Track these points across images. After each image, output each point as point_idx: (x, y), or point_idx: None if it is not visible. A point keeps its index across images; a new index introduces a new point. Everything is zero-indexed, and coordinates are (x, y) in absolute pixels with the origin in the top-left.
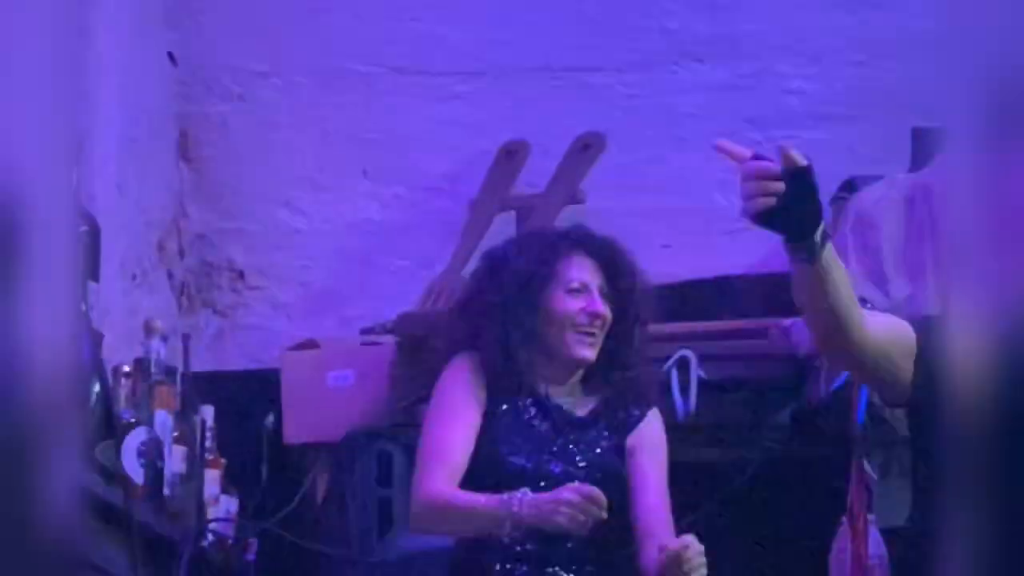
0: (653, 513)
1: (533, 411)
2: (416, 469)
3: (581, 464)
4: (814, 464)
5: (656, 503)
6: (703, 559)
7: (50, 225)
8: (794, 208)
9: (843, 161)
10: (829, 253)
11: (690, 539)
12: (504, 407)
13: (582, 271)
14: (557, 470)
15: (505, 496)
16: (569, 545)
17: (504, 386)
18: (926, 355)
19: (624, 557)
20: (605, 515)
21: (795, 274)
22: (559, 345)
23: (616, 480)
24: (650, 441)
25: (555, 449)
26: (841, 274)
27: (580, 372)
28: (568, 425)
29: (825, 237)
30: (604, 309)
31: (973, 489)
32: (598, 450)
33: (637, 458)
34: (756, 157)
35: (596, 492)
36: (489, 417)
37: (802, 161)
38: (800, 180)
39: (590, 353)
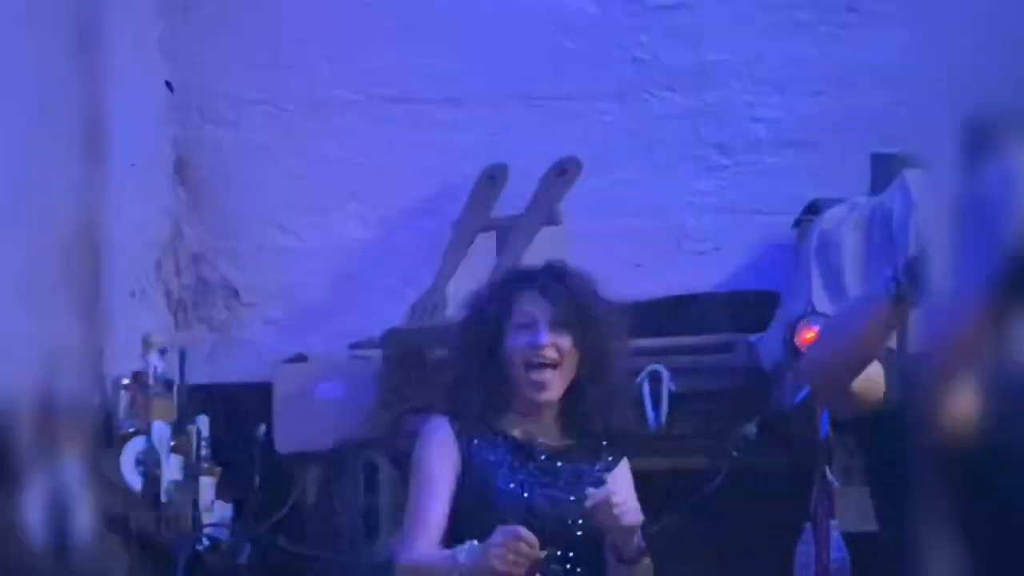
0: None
1: (503, 451)
2: (403, 532)
3: (572, 499)
4: (779, 472)
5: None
6: (632, 502)
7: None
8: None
9: (806, 185)
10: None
11: (611, 488)
12: (489, 455)
13: (530, 306)
14: (545, 505)
15: (450, 551)
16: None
17: (474, 430)
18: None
19: None
20: (539, 553)
21: (884, 314)
22: (520, 384)
23: (579, 516)
24: (620, 490)
25: (546, 481)
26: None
27: (553, 409)
28: (551, 462)
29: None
30: (548, 339)
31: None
32: (565, 487)
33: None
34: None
35: (522, 532)
36: (474, 466)
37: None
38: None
39: (545, 394)
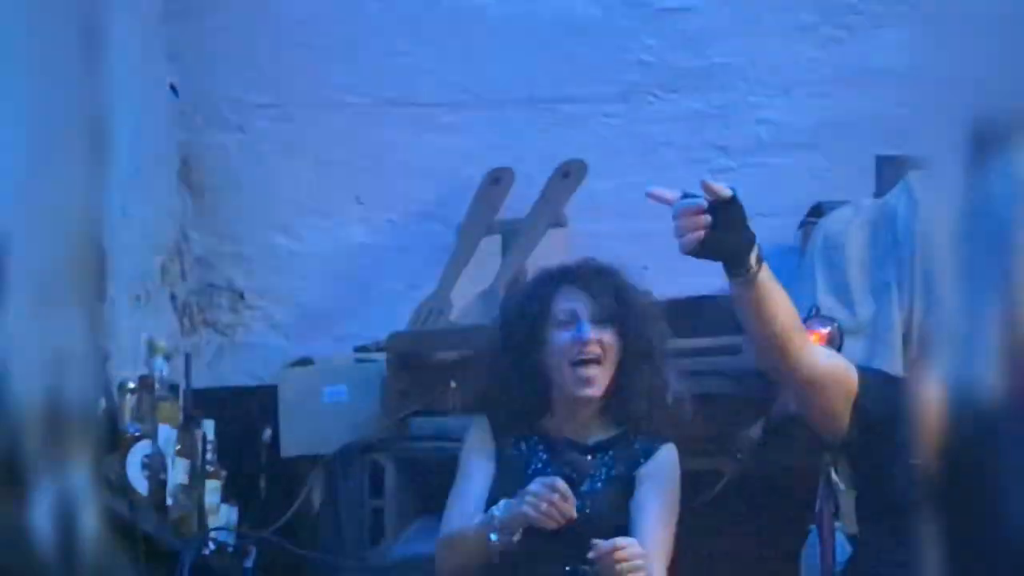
0: (641, 543)
1: (538, 449)
2: (443, 518)
3: (583, 490)
4: (785, 475)
5: (646, 535)
6: (637, 562)
7: (60, 248)
8: (725, 236)
9: (810, 187)
10: (766, 275)
11: (620, 540)
12: (512, 451)
13: (570, 302)
14: (580, 500)
15: (486, 513)
16: None
17: (511, 430)
18: (864, 400)
19: None
20: (571, 508)
21: (735, 297)
22: (562, 381)
23: (612, 512)
24: (656, 473)
25: (580, 477)
26: (780, 297)
27: (595, 405)
28: (569, 457)
29: (759, 260)
30: (592, 335)
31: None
32: (599, 484)
33: (640, 489)
34: (684, 196)
35: (557, 482)
36: (500, 463)
37: (725, 192)
38: (727, 210)
39: (591, 390)
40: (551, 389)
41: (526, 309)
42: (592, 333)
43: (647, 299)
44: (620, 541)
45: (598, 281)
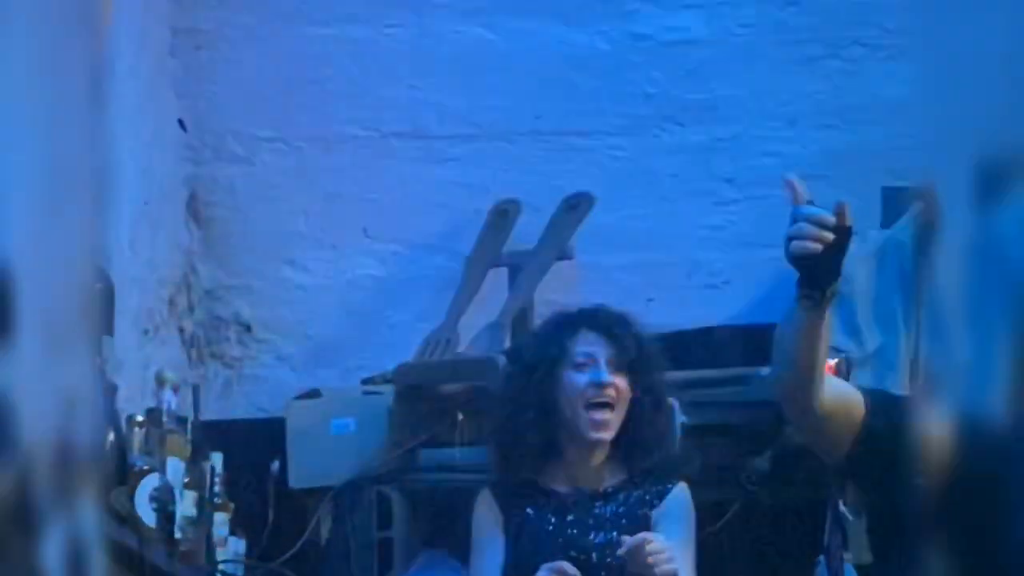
0: None
1: (546, 511)
2: None
3: (598, 542)
4: (792, 505)
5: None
6: (665, 552)
7: (67, 283)
8: (830, 258)
9: None
10: (831, 310)
11: (648, 534)
12: (520, 518)
13: (588, 345)
14: (583, 557)
15: None
16: None
17: (517, 493)
18: (871, 419)
19: None
20: None
21: (794, 321)
22: (575, 424)
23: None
24: (672, 513)
25: (584, 533)
26: (829, 333)
27: (604, 449)
28: (587, 506)
29: (835, 293)
30: (611, 378)
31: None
32: (614, 532)
33: (657, 530)
34: (810, 202)
35: (565, 567)
36: (510, 534)
37: (850, 222)
38: (842, 235)
39: (604, 433)
40: (561, 431)
41: (544, 349)
42: (609, 378)
43: (658, 348)
44: (647, 535)
45: (616, 327)
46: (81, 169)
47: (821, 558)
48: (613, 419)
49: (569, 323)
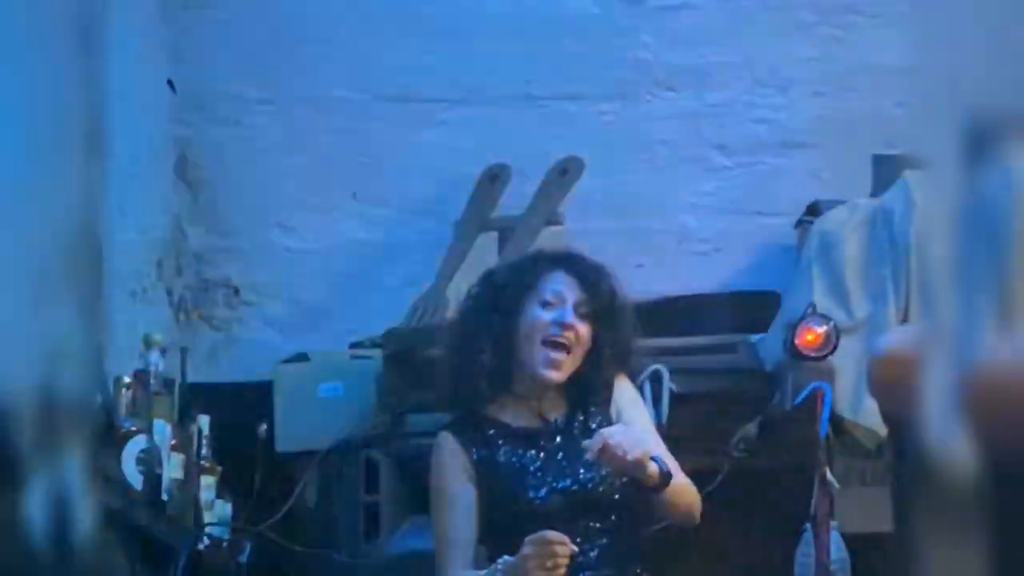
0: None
1: (524, 444)
2: (436, 557)
3: (585, 474)
4: (780, 473)
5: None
6: (628, 439)
7: (54, 236)
8: None
9: (807, 186)
10: None
11: (604, 431)
12: (499, 457)
13: (560, 286)
14: (568, 484)
15: (486, 571)
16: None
17: (483, 433)
18: None
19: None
20: (572, 548)
21: None
22: (530, 359)
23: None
24: (621, 403)
25: (560, 464)
26: None
27: (555, 392)
28: (556, 439)
29: None
30: (575, 321)
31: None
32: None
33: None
34: None
35: (549, 535)
36: (486, 473)
37: None
38: None
39: (556, 374)
40: (514, 364)
41: (516, 278)
42: (572, 320)
43: (630, 308)
44: (603, 432)
45: (592, 275)
46: (71, 127)
47: (808, 525)
48: (567, 362)
49: (546, 260)
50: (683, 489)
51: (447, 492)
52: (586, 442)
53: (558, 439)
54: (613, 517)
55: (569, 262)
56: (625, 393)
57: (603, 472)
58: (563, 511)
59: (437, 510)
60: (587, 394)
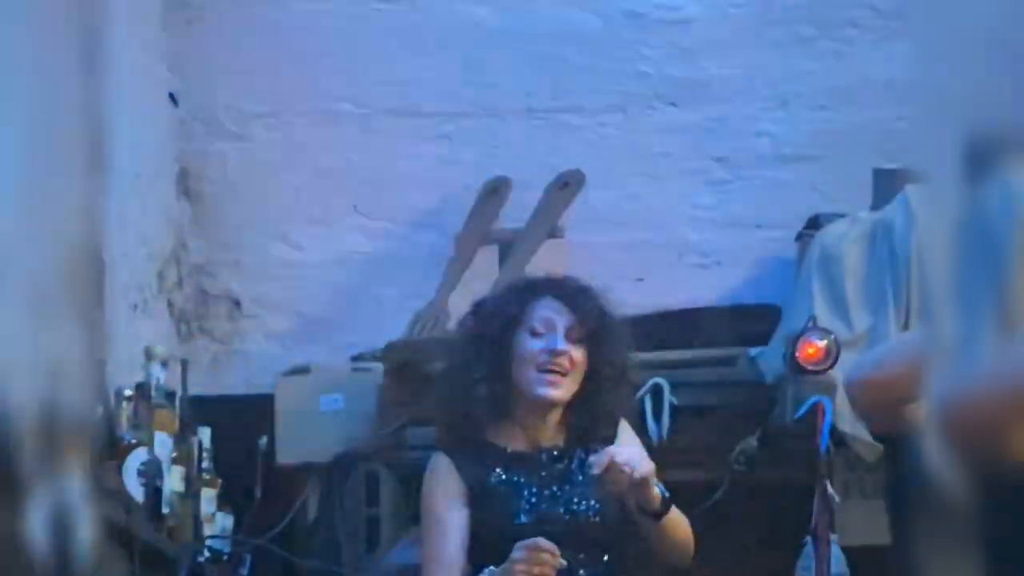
0: None
1: (519, 466)
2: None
3: (575, 501)
4: (780, 486)
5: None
6: (634, 457)
7: (57, 253)
8: None
9: (808, 199)
10: None
11: (612, 448)
12: (492, 479)
13: (549, 312)
14: (560, 513)
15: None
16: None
17: (479, 455)
18: None
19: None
20: (561, 561)
21: None
22: (527, 386)
23: (604, 504)
24: (622, 438)
25: (554, 492)
26: None
27: (556, 415)
28: (551, 464)
29: None
30: (567, 347)
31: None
32: (580, 484)
33: None
34: None
35: (540, 543)
36: (479, 495)
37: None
38: None
39: (554, 392)
40: (512, 392)
41: (502, 310)
42: (564, 346)
43: (622, 326)
44: (611, 449)
45: (579, 299)
46: (73, 141)
47: (808, 539)
48: (565, 383)
49: (532, 288)
50: (680, 521)
51: (437, 515)
52: (593, 457)
53: (554, 468)
54: (605, 558)
55: (555, 287)
56: (624, 434)
57: (596, 505)
58: (550, 539)
59: (426, 531)
60: (589, 421)
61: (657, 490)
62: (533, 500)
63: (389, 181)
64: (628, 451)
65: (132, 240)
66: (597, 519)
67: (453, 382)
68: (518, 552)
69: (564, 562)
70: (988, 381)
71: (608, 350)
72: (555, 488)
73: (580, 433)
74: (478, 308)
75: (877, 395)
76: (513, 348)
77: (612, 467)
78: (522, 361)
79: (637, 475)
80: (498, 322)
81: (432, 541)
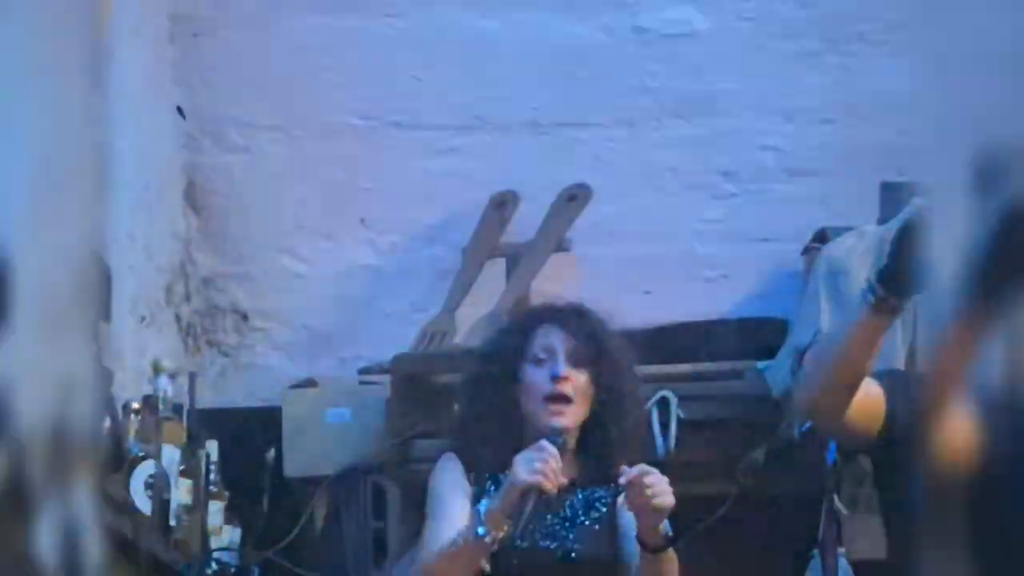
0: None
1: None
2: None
3: (571, 539)
4: (787, 499)
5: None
6: (663, 484)
7: (65, 269)
8: (908, 268)
9: (815, 213)
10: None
11: (645, 466)
12: (493, 489)
13: (548, 339)
14: (553, 548)
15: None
16: None
17: (484, 468)
18: (889, 408)
19: None
20: (559, 468)
21: (866, 327)
22: (536, 416)
23: (599, 546)
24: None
25: (553, 525)
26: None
27: (570, 441)
28: (560, 502)
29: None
30: (569, 371)
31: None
32: (580, 520)
33: (625, 517)
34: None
35: (542, 443)
36: (479, 500)
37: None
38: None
39: (561, 421)
40: (525, 427)
41: (505, 344)
42: (566, 371)
43: (624, 346)
44: (644, 466)
45: (579, 323)
46: (80, 155)
47: (815, 552)
48: (571, 409)
49: (531, 318)
50: (672, 565)
51: (440, 495)
52: (624, 467)
53: (557, 499)
54: None
55: (552, 314)
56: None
57: (589, 546)
58: (540, 569)
59: (429, 514)
60: (602, 446)
61: (663, 526)
62: (528, 526)
63: (396, 195)
64: (661, 479)
65: (139, 253)
66: (587, 558)
67: (467, 427)
68: (519, 455)
69: (563, 479)
70: (809, 370)
71: (612, 371)
72: (552, 520)
73: (595, 460)
74: (482, 348)
75: (823, 412)
76: (519, 382)
77: (637, 483)
78: (529, 393)
79: (656, 502)
80: (502, 358)
81: (433, 522)
